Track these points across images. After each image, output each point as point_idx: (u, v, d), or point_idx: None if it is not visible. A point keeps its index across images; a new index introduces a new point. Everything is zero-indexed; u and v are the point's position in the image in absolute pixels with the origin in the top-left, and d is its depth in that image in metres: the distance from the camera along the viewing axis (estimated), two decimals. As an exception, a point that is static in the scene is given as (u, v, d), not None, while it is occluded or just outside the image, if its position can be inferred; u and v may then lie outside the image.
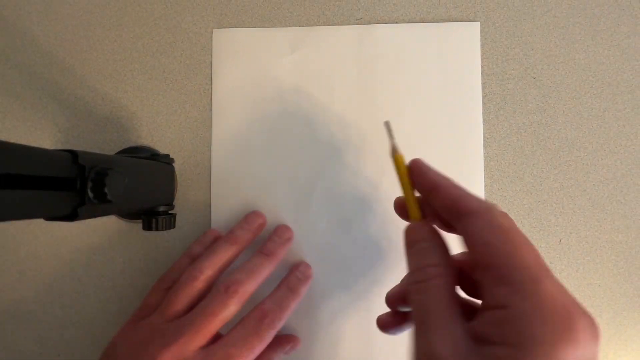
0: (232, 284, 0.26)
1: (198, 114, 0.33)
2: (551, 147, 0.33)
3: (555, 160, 0.33)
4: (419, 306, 0.18)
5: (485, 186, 0.32)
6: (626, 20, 0.33)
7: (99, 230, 0.33)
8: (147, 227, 0.29)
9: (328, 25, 0.33)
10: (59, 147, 0.33)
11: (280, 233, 0.31)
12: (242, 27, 0.34)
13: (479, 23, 0.33)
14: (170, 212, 0.30)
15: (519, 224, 0.32)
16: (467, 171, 0.32)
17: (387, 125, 0.23)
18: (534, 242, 0.32)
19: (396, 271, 0.32)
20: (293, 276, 0.30)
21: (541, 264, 0.16)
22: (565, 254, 0.32)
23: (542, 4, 0.33)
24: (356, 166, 0.33)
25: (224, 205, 0.33)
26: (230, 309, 0.26)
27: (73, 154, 0.20)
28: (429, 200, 0.21)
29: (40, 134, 0.33)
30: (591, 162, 0.33)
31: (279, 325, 0.27)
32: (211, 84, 0.33)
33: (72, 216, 0.19)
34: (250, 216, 0.31)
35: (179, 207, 0.33)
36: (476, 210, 0.18)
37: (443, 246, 0.20)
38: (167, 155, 0.31)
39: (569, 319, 0.15)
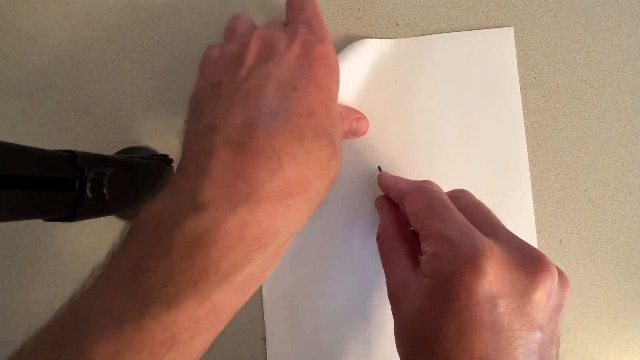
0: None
1: (198, 114, 0.33)
2: (552, 148, 0.33)
3: (555, 160, 0.33)
4: (381, 253, 0.26)
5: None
6: (627, 20, 0.33)
7: (98, 231, 0.33)
8: (147, 227, 0.29)
9: (362, 37, 0.33)
10: (58, 147, 0.33)
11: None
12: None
13: (512, 28, 0.33)
14: (169, 212, 0.30)
15: (519, 225, 0.32)
16: (513, 178, 0.32)
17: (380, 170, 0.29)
18: (535, 243, 0.32)
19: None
20: None
21: (448, 218, 0.22)
22: (566, 254, 0.32)
23: (543, 3, 0.33)
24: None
25: None
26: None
27: (72, 154, 0.19)
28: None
29: (39, 134, 0.33)
30: (592, 162, 0.32)
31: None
32: None
33: (71, 217, 0.19)
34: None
35: (179, 208, 0.33)
36: (406, 192, 0.25)
37: (391, 208, 0.27)
38: (166, 156, 0.31)
39: (473, 255, 0.19)
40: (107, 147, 0.33)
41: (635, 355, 0.31)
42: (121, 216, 0.32)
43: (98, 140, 0.33)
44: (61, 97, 0.33)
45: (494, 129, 0.32)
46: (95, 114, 0.33)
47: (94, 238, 0.33)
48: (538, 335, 0.19)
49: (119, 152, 0.33)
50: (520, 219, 0.32)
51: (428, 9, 0.33)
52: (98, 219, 0.33)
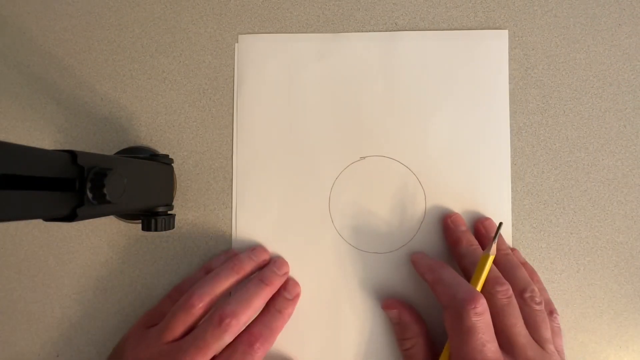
0: (227, 316, 0.26)
1: (197, 114, 0.33)
2: (552, 148, 0.33)
3: (556, 160, 0.33)
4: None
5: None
6: (627, 20, 0.33)
7: (98, 231, 0.33)
8: (147, 227, 0.29)
9: (355, 32, 0.33)
10: (58, 147, 0.33)
11: (279, 265, 0.31)
12: (253, 32, 0.34)
13: (507, 31, 0.33)
14: (169, 212, 0.30)
15: (519, 225, 0.32)
16: (495, 180, 0.32)
17: (499, 226, 0.28)
18: (534, 243, 0.32)
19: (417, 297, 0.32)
20: (281, 297, 0.30)
21: (445, 280, 0.27)
22: (566, 254, 0.32)
23: (543, 3, 0.33)
24: (382, 174, 0.32)
25: (248, 217, 0.32)
26: (223, 341, 0.26)
27: (72, 154, 0.19)
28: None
29: (39, 134, 0.33)
30: (592, 162, 0.32)
31: (268, 348, 0.28)
32: (234, 90, 0.33)
33: (71, 217, 0.19)
34: (259, 250, 0.31)
35: (178, 208, 0.33)
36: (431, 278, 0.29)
37: (417, 319, 0.30)
38: (166, 156, 0.31)
39: (458, 314, 0.25)
40: (107, 147, 0.33)
41: (635, 355, 0.31)
42: (121, 216, 0.32)
43: (98, 140, 0.33)
44: (61, 97, 0.33)
45: (479, 129, 0.32)
46: (96, 113, 0.33)
47: (94, 238, 0.33)
48: None
49: (119, 152, 0.33)
50: (500, 211, 0.32)
51: (428, 9, 0.33)
52: (98, 219, 0.33)
